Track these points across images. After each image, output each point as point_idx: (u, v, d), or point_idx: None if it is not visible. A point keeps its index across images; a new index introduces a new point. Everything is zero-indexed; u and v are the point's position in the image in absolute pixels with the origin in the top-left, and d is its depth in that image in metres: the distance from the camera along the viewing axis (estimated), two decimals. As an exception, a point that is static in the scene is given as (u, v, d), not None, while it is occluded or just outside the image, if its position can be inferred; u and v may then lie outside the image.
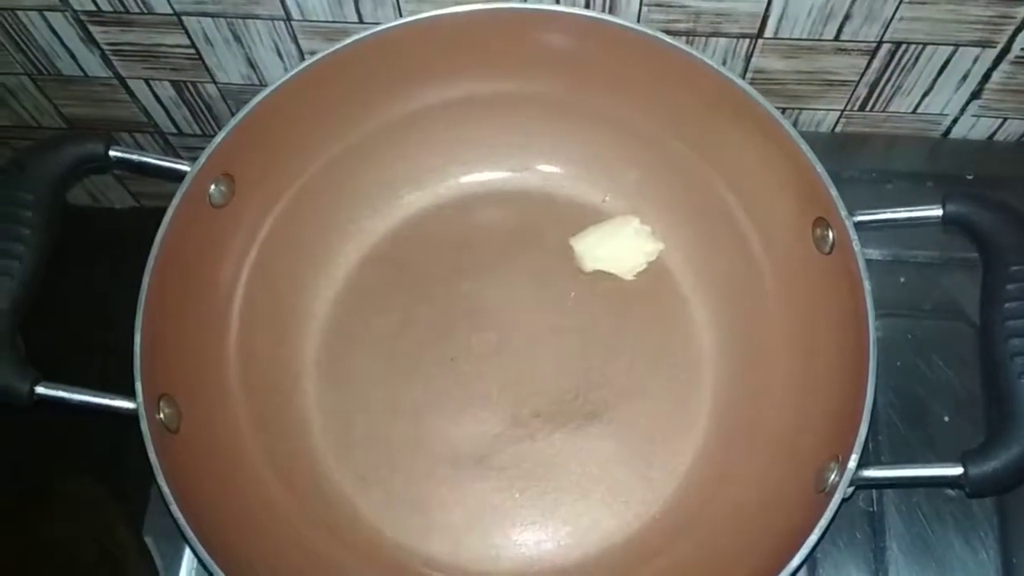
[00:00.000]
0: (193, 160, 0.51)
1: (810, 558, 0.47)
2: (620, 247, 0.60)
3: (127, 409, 0.47)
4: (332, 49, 0.53)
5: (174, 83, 0.69)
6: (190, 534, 0.45)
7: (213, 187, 0.53)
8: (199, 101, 0.71)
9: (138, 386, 0.47)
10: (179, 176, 0.51)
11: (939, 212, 0.48)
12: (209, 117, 0.73)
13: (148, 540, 0.55)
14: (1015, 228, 0.47)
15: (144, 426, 0.46)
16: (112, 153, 0.51)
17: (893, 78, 0.62)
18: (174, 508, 0.45)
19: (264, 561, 0.50)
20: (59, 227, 0.51)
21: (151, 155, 0.52)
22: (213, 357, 0.54)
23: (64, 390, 0.47)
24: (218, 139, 0.52)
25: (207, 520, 0.47)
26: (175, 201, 0.50)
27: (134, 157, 0.52)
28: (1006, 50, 0.58)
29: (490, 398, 0.58)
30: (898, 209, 0.49)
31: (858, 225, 0.49)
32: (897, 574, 0.53)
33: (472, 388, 0.58)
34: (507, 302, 0.60)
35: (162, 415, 0.48)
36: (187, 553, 0.54)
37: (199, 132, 0.75)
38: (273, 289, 0.58)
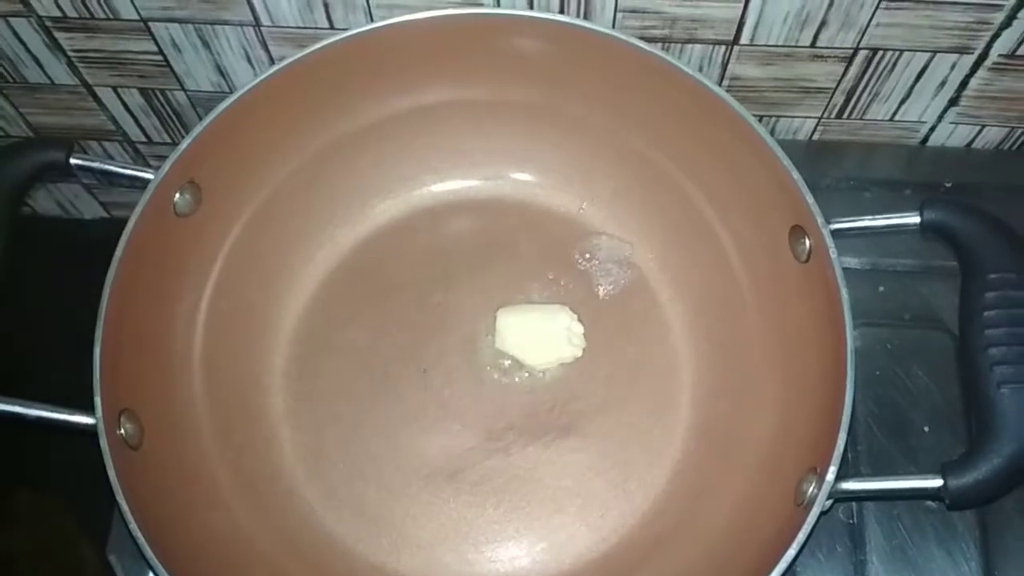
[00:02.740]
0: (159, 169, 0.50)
1: (790, 571, 0.46)
2: (539, 338, 0.57)
3: (86, 425, 0.46)
4: (301, 54, 0.52)
5: (142, 91, 0.68)
6: (150, 553, 0.43)
7: (178, 195, 0.52)
8: (168, 109, 0.69)
9: (97, 401, 0.45)
10: (144, 184, 0.50)
11: (917, 219, 0.48)
12: (179, 125, 0.71)
13: (112, 559, 0.54)
14: (994, 235, 0.46)
15: (103, 442, 0.45)
16: (73, 161, 0.50)
17: (870, 85, 0.61)
18: (133, 526, 0.44)
19: (229, 580, 0.49)
20: (12, 235, 0.49)
21: (114, 163, 0.51)
22: (177, 370, 0.53)
23: (20, 405, 0.46)
24: (183, 146, 0.50)
25: (170, 539, 0.46)
26: (138, 209, 0.49)
27: (95, 165, 0.50)
28: (983, 56, 0.58)
29: (463, 411, 0.57)
30: (875, 216, 0.49)
31: (835, 233, 0.48)
32: (878, 588, 0.52)
33: (445, 401, 0.57)
34: (481, 313, 0.59)
35: (123, 431, 0.47)
36: (151, 574, 0.53)
37: (169, 141, 0.73)
38: (240, 300, 0.56)
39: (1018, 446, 0.42)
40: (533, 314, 0.58)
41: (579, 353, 0.58)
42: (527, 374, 0.58)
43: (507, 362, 0.58)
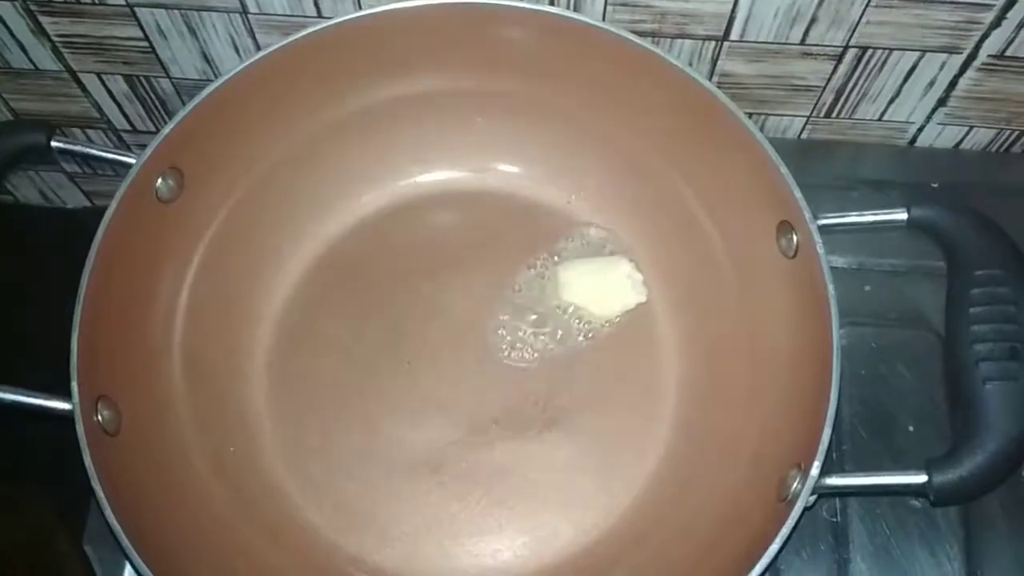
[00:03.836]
0: (141, 154, 0.50)
1: (773, 568, 0.46)
2: (604, 287, 0.58)
3: (63, 410, 0.45)
4: (287, 41, 0.52)
5: (127, 77, 0.67)
6: (126, 542, 0.43)
7: (160, 181, 0.51)
8: (153, 96, 0.69)
9: (74, 386, 0.45)
10: (125, 169, 0.50)
11: (904, 216, 0.48)
12: (163, 113, 0.71)
13: (88, 550, 0.53)
14: (980, 232, 0.46)
15: (79, 428, 0.44)
16: (54, 144, 0.50)
17: (859, 84, 0.61)
18: (109, 514, 0.43)
19: (208, 572, 0.48)
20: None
21: (95, 146, 0.50)
22: (157, 358, 0.52)
23: (-5, 390, 0.45)
24: (166, 131, 0.50)
25: (147, 529, 0.45)
26: (118, 194, 0.48)
27: (76, 148, 0.50)
28: (972, 56, 0.58)
29: (447, 404, 0.56)
30: (863, 212, 0.49)
31: (822, 229, 0.48)
32: (861, 586, 0.52)
33: (429, 393, 0.57)
34: (466, 305, 0.58)
35: (100, 417, 0.46)
36: (128, 565, 0.52)
37: (153, 129, 0.73)
38: (222, 289, 0.56)
39: (1003, 442, 0.42)
40: (593, 265, 0.58)
41: (643, 299, 0.58)
42: (514, 365, 0.57)
43: (570, 308, 0.58)
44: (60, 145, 0.50)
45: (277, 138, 0.56)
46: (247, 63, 0.52)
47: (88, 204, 0.86)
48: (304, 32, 0.52)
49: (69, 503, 0.55)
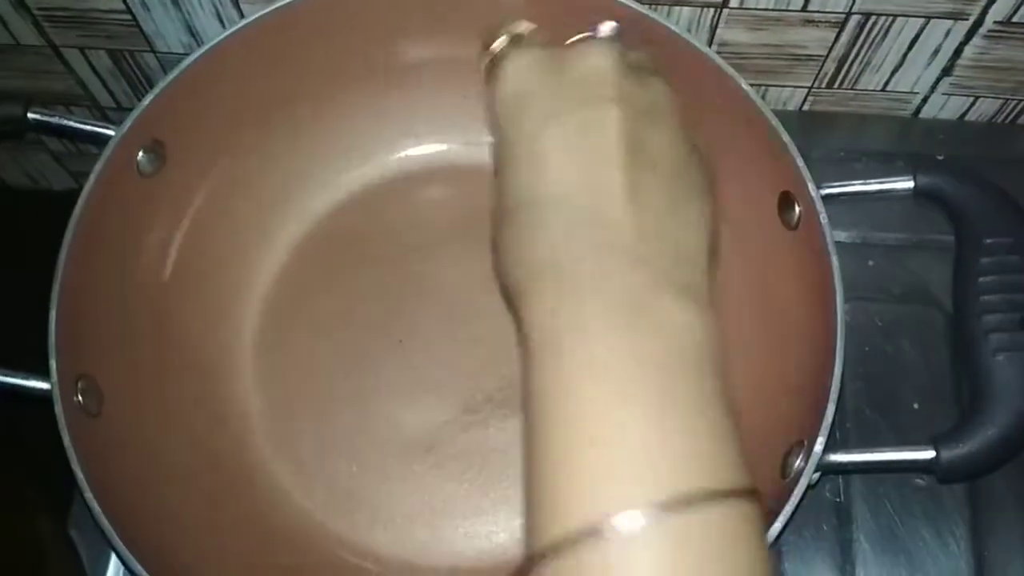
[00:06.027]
0: (122, 126, 0.48)
1: (775, 549, 0.44)
2: None
3: (41, 390, 0.44)
4: (272, 7, 0.50)
5: (111, 52, 0.65)
6: (107, 526, 0.41)
7: (141, 154, 0.49)
8: (138, 72, 0.67)
9: (52, 364, 0.43)
10: (105, 142, 0.48)
11: (910, 184, 0.46)
12: (149, 89, 0.69)
13: (73, 534, 0.52)
14: (989, 200, 0.45)
15: (58, 408, 0.43)
16: (31, 116, 0.48)
17: (862, 53, 0.59)
18: (89, 497, 0.41)
19: (194, 555, 0.47)
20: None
21: (73, 118, 0.49)
22: (139, 336, 0.51)
23: (-30, 370, 0.44)
24: (146, 101, 0.48)
25: (130, 512, 0.44)
26: (97, 167, 0.47)
27: (54, 120, 0.48)
28: (979, 23, 0.56)
29: (441, 383, 0.55)
30: (868, 181, 0.47)
31: (826, 199, 0.46)
32: (865, 566, 0.50)
33: (422, 372, 0.55)
34: (459, 282, 0.57)
35: (80, 397, 0.45)
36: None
37: (139, 106, 0.71)
38: (207, 265, 0.54)
39: (1014, 416, 0.41)
40: None
41: None
42: (509, 342, 0.56)
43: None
44: (37, 117, 0.48)
45: (263, 110, 0.55)
46: (229, 32, 0.50)
47: (75, 186, 0.84)
48: (288, -1, 0.50)
49: (54, 487, 0.54)
